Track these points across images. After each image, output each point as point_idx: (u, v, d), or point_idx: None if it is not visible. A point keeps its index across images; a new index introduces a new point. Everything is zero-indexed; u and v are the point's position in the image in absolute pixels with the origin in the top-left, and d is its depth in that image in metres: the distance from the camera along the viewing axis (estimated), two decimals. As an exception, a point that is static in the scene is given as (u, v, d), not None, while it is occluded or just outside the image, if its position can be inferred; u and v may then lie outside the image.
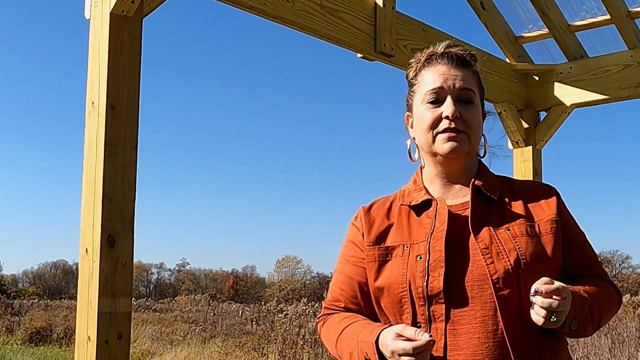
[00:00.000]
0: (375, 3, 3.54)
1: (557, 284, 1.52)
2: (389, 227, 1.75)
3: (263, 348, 12.78)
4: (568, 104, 4.46)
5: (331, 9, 3.30)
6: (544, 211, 1.70)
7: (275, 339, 12.93)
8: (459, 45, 1.78)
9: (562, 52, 4.53)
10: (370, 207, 1.83)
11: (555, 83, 4.51)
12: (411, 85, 1.81)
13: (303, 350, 12.13)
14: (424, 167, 1.81)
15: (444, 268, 1.60)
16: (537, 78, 4.60)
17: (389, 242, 1.72)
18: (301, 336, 12.61)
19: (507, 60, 4.54)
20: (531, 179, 4.49)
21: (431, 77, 1.73)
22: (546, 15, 4.32)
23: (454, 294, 1.59)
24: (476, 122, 1.71)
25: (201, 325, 19.12)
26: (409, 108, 1.82)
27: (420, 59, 1.79)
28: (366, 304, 1.75)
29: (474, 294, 1.58)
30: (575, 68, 4.47)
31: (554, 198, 1.74)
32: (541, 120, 4.62)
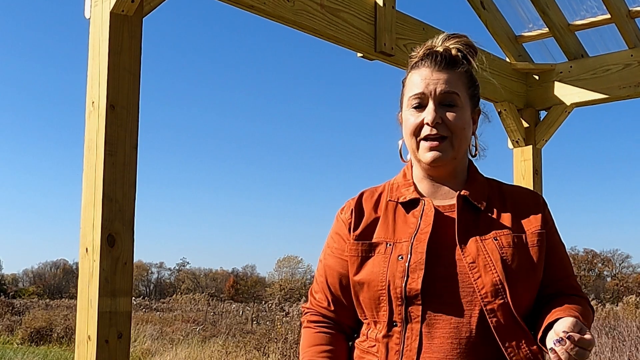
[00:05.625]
0: (376, 2, 3.54)
1: (582, 327, 1.47)
2: (376, 221, 1.74)
3: (264, 347, 12.77)
4: (568, 104, 4.46)
5: (331, 9, 3.30)
6: (531, 222, 1.70)
7: (277, 339, 12.92)
8: (457, 37, 1.74)
9: (562, 51, 4.53)
10: (359, 200, 1.81)
11: (556, 82, 4.51)
12: (403, 85, 1.79)
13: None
14: (413, 166, 1.80)
15: (423, 270, 1.60)
16: (537, 77, 4.60)
17: (374, 238, 1.71)
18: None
19: (507, 59, 4.54)
20: (531, 178, 4.49)
21: (415, 81, 1.72)
22: (546, 14, 4.32)
23: (432, 297, 1.60)
24: (460, 124, 1.68)
25: (201, 324, 19.11)
26: (401, 107, 1.80)
27: (418, 53, 1.76)
28: (346, 295, 1.76)
29: (452, 300, 1.59)
30: (575, 67, 4.47)
31: (541, 209, 1.74)
32: (541, 119, 4.62)
